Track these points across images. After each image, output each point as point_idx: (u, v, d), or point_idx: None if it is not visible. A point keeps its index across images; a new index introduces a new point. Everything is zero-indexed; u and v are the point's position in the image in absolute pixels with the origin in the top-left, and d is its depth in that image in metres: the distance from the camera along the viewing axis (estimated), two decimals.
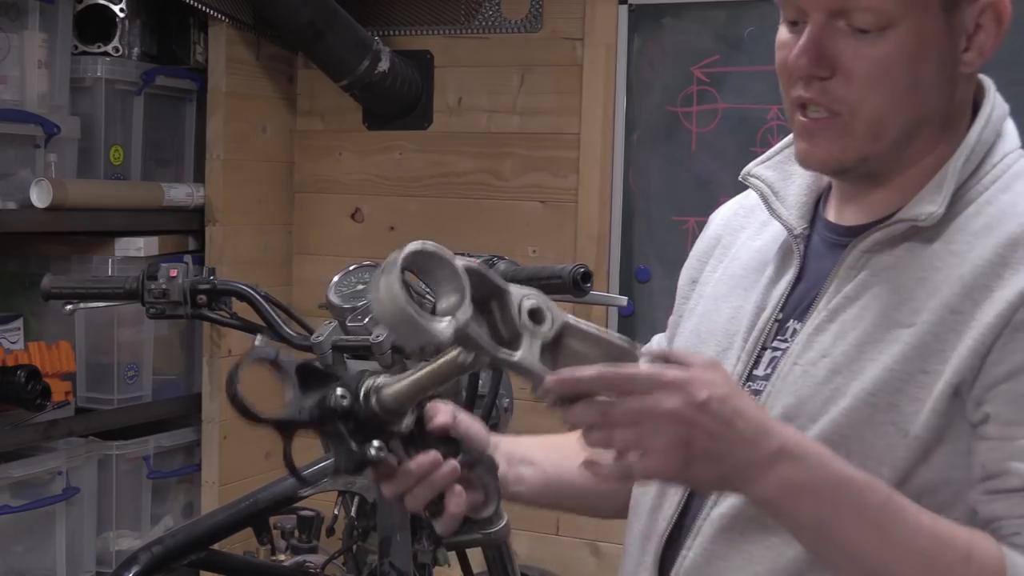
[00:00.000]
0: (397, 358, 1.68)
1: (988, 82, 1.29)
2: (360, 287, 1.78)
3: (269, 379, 1.20)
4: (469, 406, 1.69)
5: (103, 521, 2.93)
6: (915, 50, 1.19)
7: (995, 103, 1.27)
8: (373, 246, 3.05)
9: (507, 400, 1.81)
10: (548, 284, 1.52)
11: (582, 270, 1.48)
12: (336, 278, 1.80)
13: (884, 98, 1.21)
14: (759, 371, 1.31)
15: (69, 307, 1.91)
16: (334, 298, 1.77)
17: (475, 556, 1.92)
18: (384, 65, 2.99)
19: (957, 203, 1.22)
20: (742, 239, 1.44)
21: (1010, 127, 1.29)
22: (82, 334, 2.88)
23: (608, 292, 2.79)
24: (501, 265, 1.56)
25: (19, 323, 2.69)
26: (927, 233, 1.22)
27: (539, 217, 3.02)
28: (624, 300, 1.95)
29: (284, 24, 2.97)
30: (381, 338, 1.66)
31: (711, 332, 1.38)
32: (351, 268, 1.80)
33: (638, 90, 2.93)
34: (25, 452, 2.70)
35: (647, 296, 2.90)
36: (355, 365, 1.72)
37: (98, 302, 1.96)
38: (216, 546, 1.79)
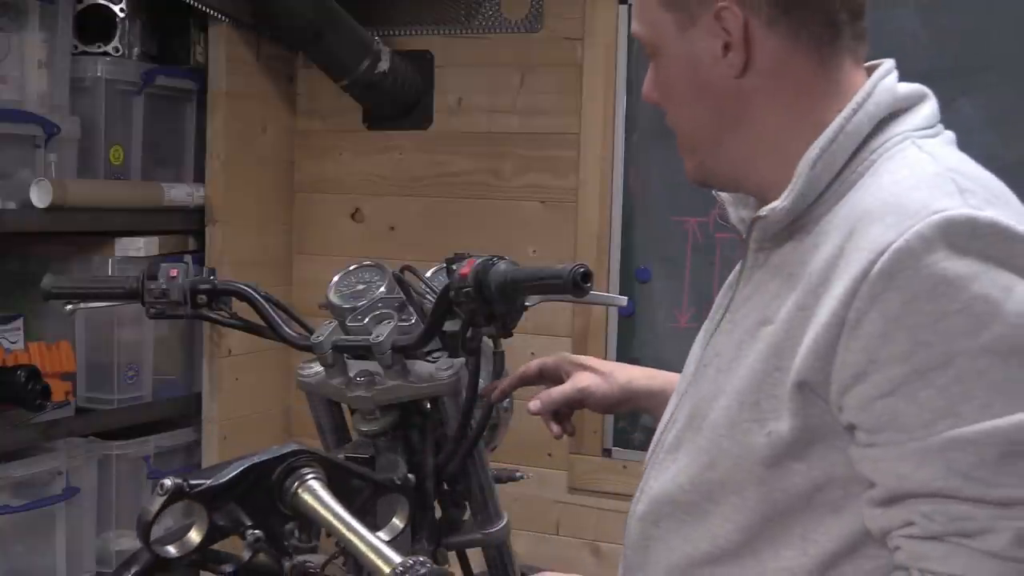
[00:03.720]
0: (397, 358, 1.68)
1: (880, 68, 1.27)
2: (360, 287, 1.78)
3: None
4: (468, 406, 1.68)
5: (103, 521, 2.92)
6: (681, 67, 1.28)
7: (873, 92, 1.24)
8: (373, 246, 3.05)
9: (507, 400, 1.81)
10: (548, 284, 1.52)
11: (582, 270, 1.47)
12: (336, 278, 1.80)
13: (677, 115, 1.32)
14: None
15: (69, 307, 1.91)
16: (334, 298, 1.77)
17: (475, 556, 1.92)
18: (384, 65, 2.99)
19: (833, 195, 1.22)
20: None
21: (918, 112, 1.26)
22: (82, 334, 2.87)
23: (608, 292, 2.78)
24: (501, 265, 1.56)
25: (19, 323, 2.69)
26: (803, 228, 1.23)
27: (539, 217, 3.02)
28: (624, 300, 1.94)
29: (284, 24, 2.97)
30: (381, 338, 1.66)
31: (700, 337, 1.42)
32: (351, 268, 1.80)
33: (638, 90, 2.92)
34: (25, 452, 2.70)
35: (647, 296, 2.90)
36: (355, 365, 1.72)
37: (98, 302, 1.96)
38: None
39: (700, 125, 1.30)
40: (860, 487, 1.16)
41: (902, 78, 1.28)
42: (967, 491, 1.08)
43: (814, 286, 1.17)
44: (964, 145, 1.29)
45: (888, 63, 1.28)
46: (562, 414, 1.66)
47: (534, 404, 1.62)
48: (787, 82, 1.25)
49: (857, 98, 1.23)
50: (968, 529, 1.08)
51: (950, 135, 1.28)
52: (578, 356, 1.69)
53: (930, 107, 1.27)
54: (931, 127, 1.26)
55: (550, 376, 1.67)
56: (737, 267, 1.38)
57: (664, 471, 1.32)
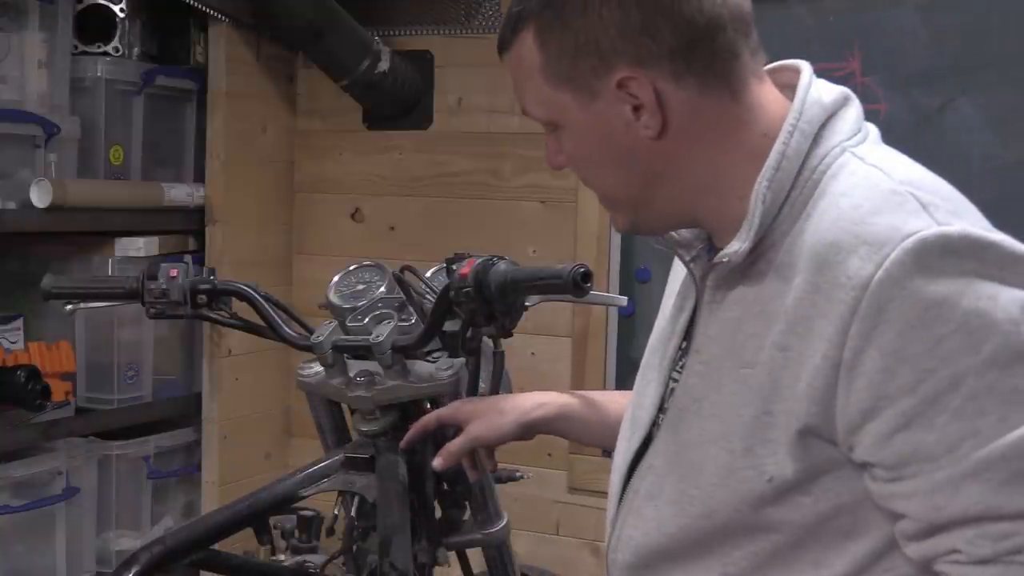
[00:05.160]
0: (397, 358, 1.68)
1: (802, 80, 1.24)
2: (360, 287, 1.78)
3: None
4: None
5: (103, 521, 2.92)
6: (580, 142, 1.26)
7: (804, 107, 1.22)
8: (373, 246, 3.05)
9: None
10: (548, 284, 1.52)
11: (582, 270, 1.47)
12: (336, 278, 1.80)
13: (593, 181, 1.30)
14: (667, 403, 1.33)
15: (69, 307, 1.91)
16: (334, 298, 1.77)
17: (475, 556, 1.92)
18: (384, 65, 2.99)
19: (784, 222, 1.19)
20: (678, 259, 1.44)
21: (843, 118, 1.23)
22: (82, 334, 2.87)
23: (608, 292, 2.78)
24: (501, 265, 1.56)
25: (19, 323, 2.69)
26: (762, 261, 1.20)
27: (539, 217, 3.02)
28: (624, 300, 1.94)
29: (284, 24, 2.97)
30: (381, 338, 1.66)
31: (648, 363, 1.40)
32: (351, 268, 1.80)
33: None
34: (25, 452, 2.70)
35: (647, 296, 2.89)
36: (355, 365, 1.72)
37: (98, 302, 1.96)
38: (216, 546, 1.79)
39: (625, 186, 1.26)
40: (871, 510, 1.15)
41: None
42: (1006, 508, 1.08)
43: (792, 325, 1.15)
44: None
45: (806, 71, 1.25)
46: (479, 456, 1.65)
47: (437, 462, 1.62)
48: (706, 126, 1.22)
49: (790, 119, 1.21)
50: (1017, 545, 1.08)
51: (876, 133, 1.26)
52: (470, 402, 1.66)
53: (855, 110, 1.25)
54: (859, 131, 1.24)
55: (449, 424, 1.65)
56: (683, 295, 1.34)
57: (644, 519, 1.29)
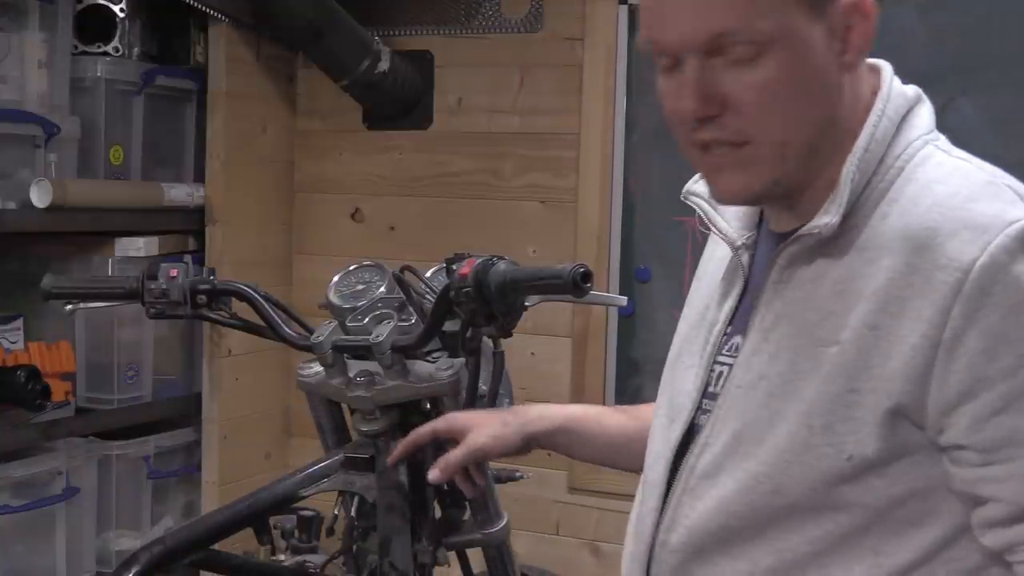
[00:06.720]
0: (397, 358, 1.68)
1: (885, 71, 1.26)
2: (360, 287, 1.78)
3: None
4: (468, 406, 1.69)
5: (103, 521, 2.93)
6: (794, 67, 1.16)
7: (890, 95, 1.23)
8: (373, 246, 3.05)
9: (507, 400, 1.81)
10: (548, 284, 1.52)
11: (582, 270, 1.48)
12: (336, 278, 1.80)
13: (780, 120, 1.18)
14: (713, 387, 1.31)
15: (69, 307, 1.91)
16: (334, 298, 1.77)
17: (475, 556, 1.92)
18: (384, 65, 2.99)
19: (865, 204, 1.20)
20: (710, 248, 1.44)
21: (919, 114, 1.25)
22: (82, 334, 2.88)
23: (608, 292, 2.78)
24: (501, 265, 1.56)
25: (19, 323, 2.69)
26: (841, 241, 1.20)
27: (539, 217, 3.02)
28: (624, 300, 1.94)
29: (284, 24, 2.97)
30: (381, 338, 1.66)
31: (685, 350, 1.38)
32: (351, 268, 1.81)
33: (638, 90, 2.93)
34: (25, 452, 2.70)
35: (647, 296, 2.90)
36: (355, 365, 1.72)
37: (98, 302, 1.96)
38: (216, 546, 1.79)
39: (808, 126, 1.19)
40: (942, 498, 1.16)
41: (901, 78, 1.28)
42: None
43: (883, 304, 1.15)
44: (964, 145, 1.29)
45: (887, 67, 1.27)
46: (471, 470, 1.63)
47: (433, 474, 1.59)
48: (861, 84, 1.23)
49: (878, 105, 1.22)
50: None
51: (943, 136, 1.28)
52: (466, 414, 1.65)
53: (929, 108, 1.27)
54: (933, 129, 1.26)
55: (444, 437, 1.64)
56: (727, 281, 1.33)
57: (701, 498, 1.26)
